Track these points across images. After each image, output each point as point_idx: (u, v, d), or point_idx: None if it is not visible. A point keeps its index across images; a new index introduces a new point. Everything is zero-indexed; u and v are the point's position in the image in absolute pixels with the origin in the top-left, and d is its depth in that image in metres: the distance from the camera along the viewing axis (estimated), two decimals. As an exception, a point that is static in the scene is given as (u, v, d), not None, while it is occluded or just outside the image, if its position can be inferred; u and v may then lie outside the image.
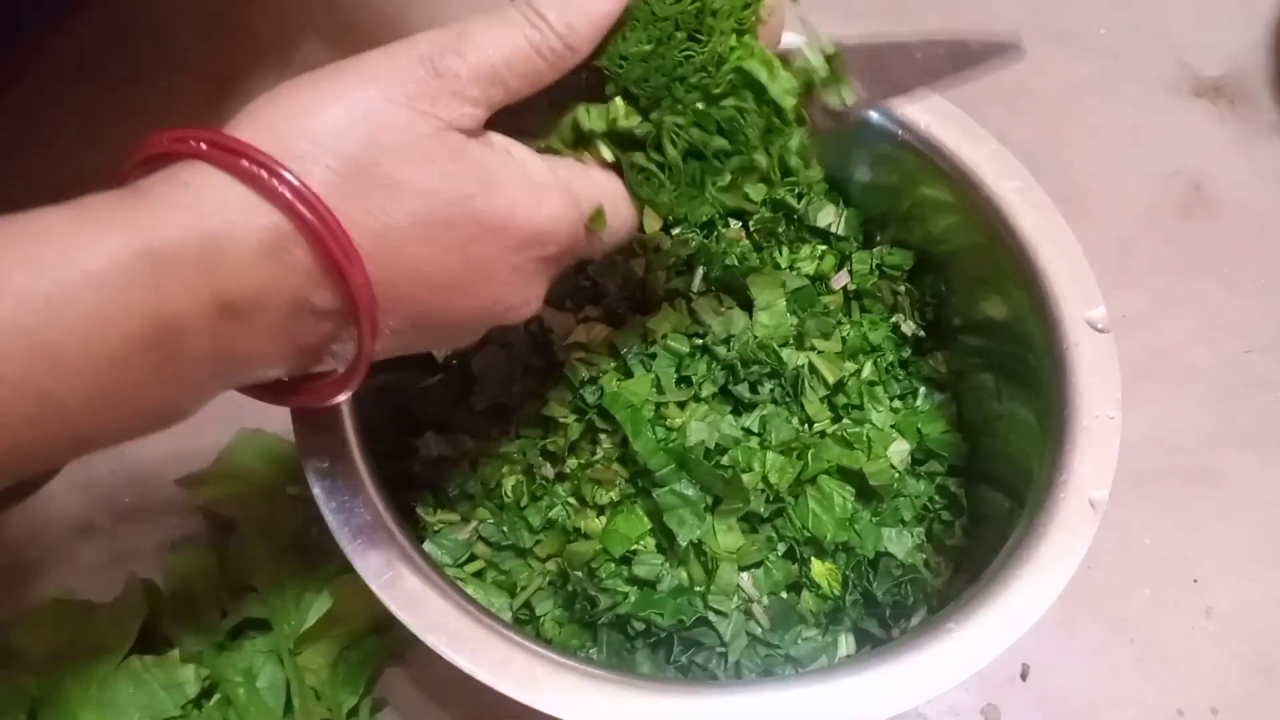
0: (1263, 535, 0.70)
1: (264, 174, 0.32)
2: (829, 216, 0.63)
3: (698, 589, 0.53)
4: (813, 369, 0.58)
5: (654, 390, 0.55)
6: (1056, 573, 0.45)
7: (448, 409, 0.59)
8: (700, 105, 0.42)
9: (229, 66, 0.86)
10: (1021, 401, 0.55)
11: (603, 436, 0.55)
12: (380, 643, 0.61)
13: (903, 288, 0.63)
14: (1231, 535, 0.70)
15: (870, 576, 0.54)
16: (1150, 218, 0.84)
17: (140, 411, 0.33)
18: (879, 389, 0.60)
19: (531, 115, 0.41)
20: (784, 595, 0.55)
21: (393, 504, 0.48)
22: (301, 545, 0.61)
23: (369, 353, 0.37)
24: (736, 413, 0.57)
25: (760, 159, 0.43)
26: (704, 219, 0.61)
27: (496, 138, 0.39)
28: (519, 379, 0.58)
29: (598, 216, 0.42)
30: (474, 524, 0.56)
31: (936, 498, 0.58)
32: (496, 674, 0.43)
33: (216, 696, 0.57)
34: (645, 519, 0.54)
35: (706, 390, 0.56)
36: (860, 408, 0.59)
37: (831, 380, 0.58)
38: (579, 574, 0.53)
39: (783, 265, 0.62)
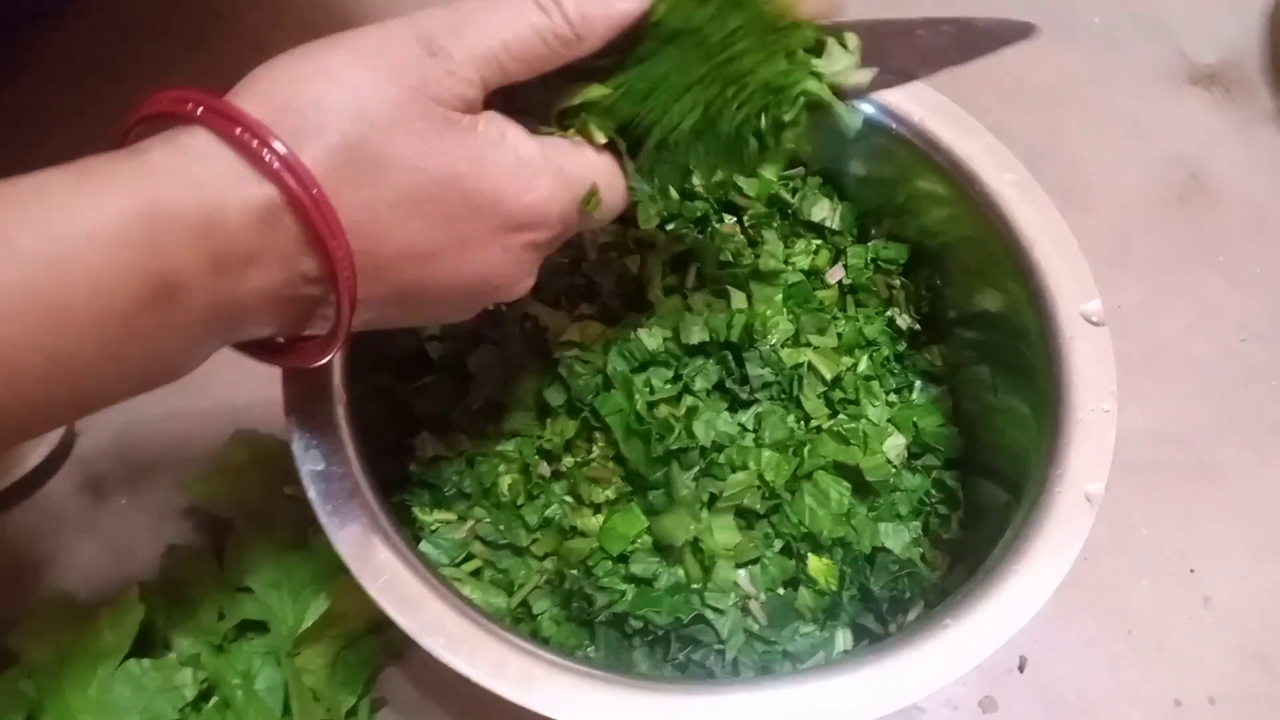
0: (1260, 526, 0.70)
1: (255, 143, 0.33)
2: (823, 211, 0.63)
3: (695, 586, 0.53)
4: (810, 366, 0.58)
5: (647, 390, 0.55)
6: (1052, 568, 0.45)
7: (443, 408, 0.59)
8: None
9: (223, 64, 0.85)
10: (1017, 395, 0.55)
11: (598, 435, 0.55)
12: (378, 642, 0.61)
13: (898, 281, 0.63)
14: (1229, 526, 0.70)
15: (867, 572, 0.54)
16: (1147, 207, 0.84)
17: (144, 367, 0.35)
18: (875, 383, 0.60)
19: (527, 94, 0.41)
20: (781, 591, 0.55)
21: (389, 504, 0.48)
22: (299, 546, 0.60)
23: (346, 322, 0.37)
24: (732, 409, 0.56)
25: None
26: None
27: (490, 117, 0.39)
28: (514, 377, 0.58)
29: (591, 198, 0.41)
30: (471, 523, 0.56)
31: (933, 491, 0.58)
32: (493, 675, 0.42)
33: (214, 699, 0.57)
34: (642, 517, 0.54)
35: (700, 386, 0.56)
36: (856, 402, 0.58)
37: (828, 376, 0.58)
38: (576, 572, 0.53)
39: (778, 260, 0.62)
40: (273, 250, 0.35)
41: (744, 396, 0.56)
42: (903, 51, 0.44)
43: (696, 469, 0.54)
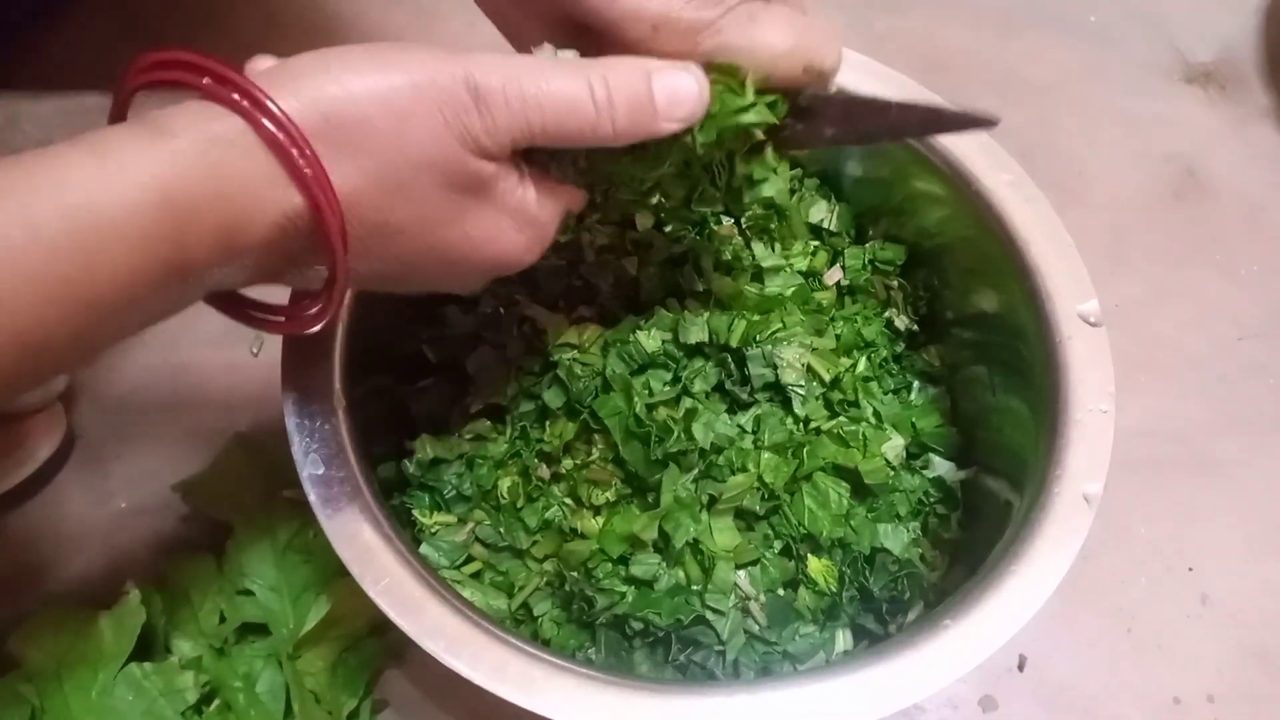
0: (1258, 522, 0.70)
1: (294, 152, 0.34)
2: (821, 212, 0.63)
3: (695, 588, 0.53)
4: (809, 367, 0.58)
5: (646, 392, 0.55)
6: (1051, 568, 0.45)
7: (442, 411, 0.59)
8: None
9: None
10: (1015, 394, 0.55)
11: (598, 437, 0.55)
12: (379, 644, 0.61)
13: (895, 282, 0.63)
14: (1227, 523, 0.70)
15: (867, 572, 0.54)
16: (1143, 204, 0.84)
17: (143, 323, 0.36)
18: (873, 384, 0.60)
19: None
20: (781, 592, 0.55)
21: (389, 507, 0.48)
22: (299, 549, 0.61)
23: (337, 306, 0.39)
24: (731, 411, 0.56)
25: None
26: None
27: (508, 177, 0.40)
28: (513, 380, 0.58)
29: (567, 227, 0.46)
30: (470, 525, 0.56)
31: (932, 491, 0.58)
32: (495, 678, 0.43)
33: (216, 702, 0.57)
34: (644, 518, 0.54)
35: (699, 388, 0.56)
36: (855, 404, 0.58)
37: (827, 377, 0.58)
38: (576, 574, 0.53)
39: (775, 261, 0.62)
40: (282, 246, 0.36)
41: (743, 398, 0.56)
42: (872, 121, 0.46)
43: (696, 471, 0.54)
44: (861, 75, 0.56)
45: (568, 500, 0.56)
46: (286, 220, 0.35)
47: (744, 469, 0.54)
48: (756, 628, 0.53)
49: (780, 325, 0.56)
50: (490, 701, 0.43)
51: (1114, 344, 0.51)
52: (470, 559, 0.56)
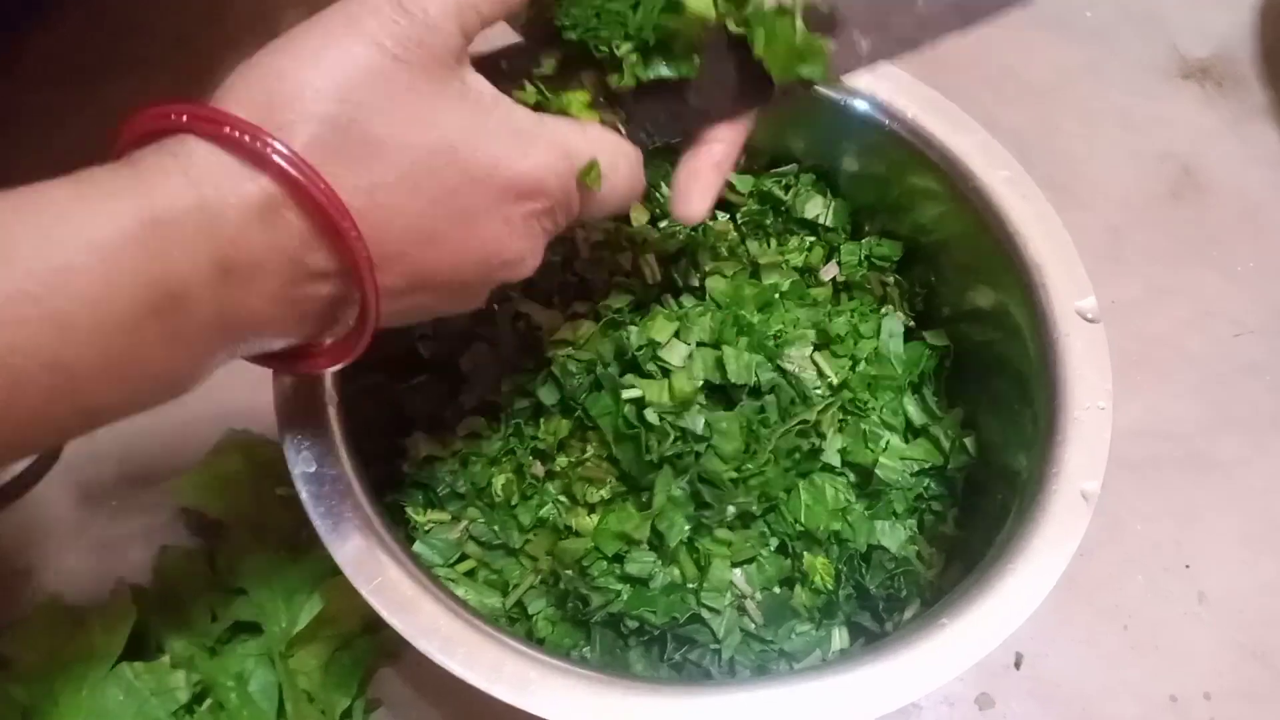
0: (1255, 520, 0.70)
1: (246, 138, 0.33)
2: (817, 208, 0.63)
3: (690, 586, 0.53)
4: (811, 363, 0.57)
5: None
6: (1049, 566, 0.45)
7: (436, 408, 0.59)
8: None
9: (212, 63, 0.85)
10: (1012, 391, 0.55)
11: (592, 434, 0.55)
12: (372, 643, 0.60)
13: (892, 279, 0.63)
14: (1224, 521, 0.70)
15: (863, 570, 0.54)
16: (1140, 202, 0.84)
17: (150, 379, 0.34)
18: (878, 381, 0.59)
19: (515, 64, 0.42)
20: (777, 590, 0.54)
21: (382, 505, 0.48)
22: (292, 547, 0.60)
23: (374, 308, 0.37)
24: (729, 409, 0.56)
25: None
26: None
27: (480, 84, 0.38)
28: (508, 377, 0.58)
29: (590, 170, 0.41)
30: (464, 523, 0.56)
31: (932, 486, 0.58)
32: (489, 678, 0.42)
33: (208, 701, 0.56)
34: (637, 517, 0.53)
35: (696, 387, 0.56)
36: (854, 400, 0.58)
37: (830, 373, 0.57)
38: (570, 572, 0.53)
39: (771, 258, 0.62)
40: (278, 249, 0.34)
41: (739, 396, 0.56)
42: (903, 20, 0.44)
43: (691, 473, 0.53)
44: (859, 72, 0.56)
45: (562, 498, 0.55)
46: (271, 213, 0.33)
47: (741, 469, 0.53)
48: (752, 626, 0.53)
49: (781, 326, 0.56)
50: (484, 700, 0.42)
51: (1111, 342, 0.51)
52: (464, 557, 0.56)
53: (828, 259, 0.63)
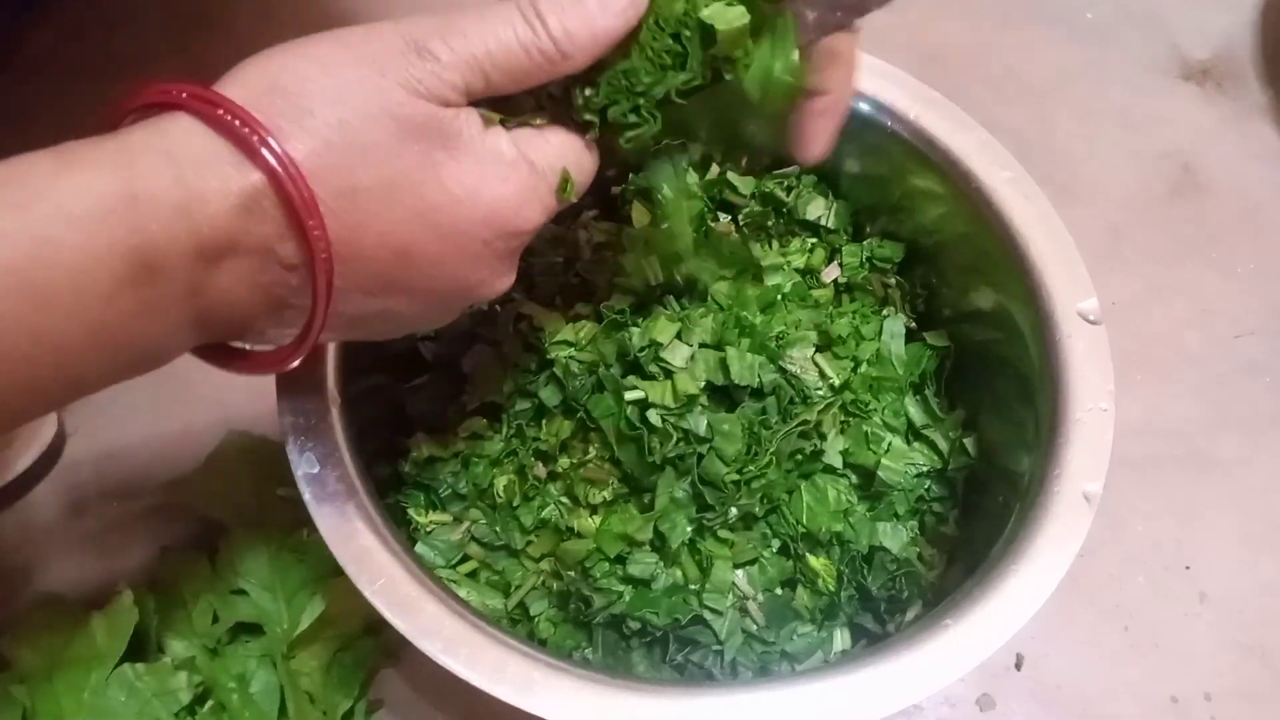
0: (1255, 520, 0.70)
1: (237, 124, 0.33)
2: (818, 209, 0.63)
3: (692, 587, 0.53)
4: (813, 365, 0.57)
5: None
6: (1051, 567, 0.45)
7: (438, 409, 0.59)
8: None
9: (208, 60, 0.84)
10: (1014, 393, 0.55)
11: (594, 435, 0.55)
12: (374, 644, 0.60)
13: (893, 280, 0.63)
14: (1224, 521, 0.70)
15: (865, 571, 0.54)
16: (1140, 202, 0.84)
17: (127, 350, 0.35)
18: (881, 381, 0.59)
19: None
20: (779, 591, 0.54)
21: (384, 506, 0.48)
22: (293, 548, 0.60)
23: (322, 311, 0.37)
24: (731, 411, 0.56)
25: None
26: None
27: (469, 117, 0.39)
28: (510, 378, 0.58)
29: (566, 184, 0.41)
30: (466, 524, 0.56)
31: (933, 487, 0.58)
32: (492, 679, 0.42)
33: (210, 702, 0.57)
34: (639, 518, 0.53)
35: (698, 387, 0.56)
36: (856, 402, 0.58)
37: (832, 375, 0.57)
38: (573, 573, 0.53)
39: (772, 259, 0.62)
40: (253, 235, 0.35)
41: (742, 398, 0.56)
42: None
43: (693, 474, 0.53)
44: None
45: (564, 499, 0.55)
46: (250, 200, 0.34)
47: (742, 470, 0.53)
48: (754, 627, 0.53)
49: (783, 327, 0.56)
50: (486, 701, 0.42)
51: (1111, 342, 0.51)
52: (466, 558, 0.56)
53: (829, 260, 0.63)
